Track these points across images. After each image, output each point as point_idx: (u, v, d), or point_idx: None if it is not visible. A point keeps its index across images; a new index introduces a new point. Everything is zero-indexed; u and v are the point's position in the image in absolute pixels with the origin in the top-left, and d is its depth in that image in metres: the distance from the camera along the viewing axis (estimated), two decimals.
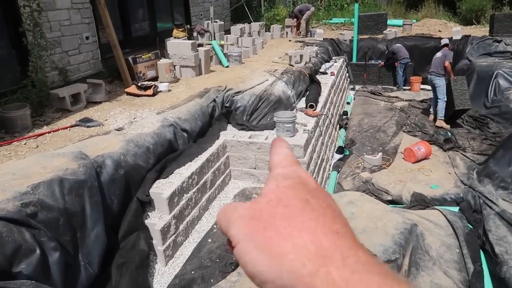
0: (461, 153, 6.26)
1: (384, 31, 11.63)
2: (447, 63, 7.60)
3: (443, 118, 7.49)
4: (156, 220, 3.73)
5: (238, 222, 0.35)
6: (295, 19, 11.99)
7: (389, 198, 5.29)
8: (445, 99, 7.44)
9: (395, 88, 10.48)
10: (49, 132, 4.34)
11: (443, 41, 8.12)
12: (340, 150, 7.04)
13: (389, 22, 12.49)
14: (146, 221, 3.71)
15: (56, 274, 2.80)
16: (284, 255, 0.31)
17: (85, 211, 3.22)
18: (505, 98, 7.54)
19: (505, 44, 9.22)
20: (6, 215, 2.67)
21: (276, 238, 0.32)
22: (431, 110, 7.99)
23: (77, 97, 5.29)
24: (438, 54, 7.78)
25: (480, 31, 11.46)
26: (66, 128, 4.49)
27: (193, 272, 3.49)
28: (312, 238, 0.31)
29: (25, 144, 4.07)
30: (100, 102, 5.51)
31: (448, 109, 7.39)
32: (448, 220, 4.17)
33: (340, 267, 0.30)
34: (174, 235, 3.82)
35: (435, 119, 7.75)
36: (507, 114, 7.20)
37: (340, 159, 6.70)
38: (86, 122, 4.63)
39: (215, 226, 4.22)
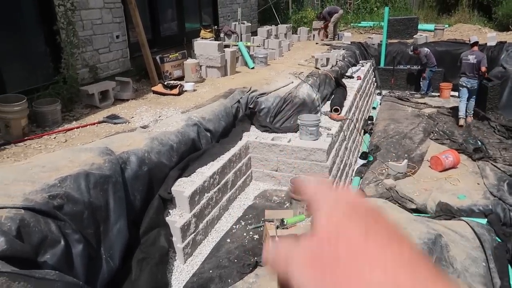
0: (491, 164, 6.05)
1: (414, 36, 11.39)
2: (483, 69, 7.61)
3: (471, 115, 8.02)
4: (176, 217, 3.78)
5: (296, 272, 0.32)
6: (323, 21, 11.85)
7: (413, 206, 5.17)
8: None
9: (418, 94, 10.24)
10: (77, 127, 4.47)
11: (473, 39, 8.01)
12: (364, 155, 6.93)
13: (420, 26, 12.22)
14: (167, 218, 3.76)
15: (79, 266, 2.88)
16: None
17: (109, 205, 3.29)
18: None
19: None
20: (35, 206, 2.76)
21: (347, 280, 0.29)
22: (461, 114, 7.93)
23: (105, 94, 5.42)
24: (471, 59, 7.70)
25: None
26: (94, 124, 4.61)
27: (211, 271, 3.51)
28: (385, 274, 0.28)
29: (54, 138, 4.20)
30: (127, 100, 5.63)
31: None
32: (475, 232, 4.03)
33: None
34: (194, 234, 3.85)
35: (464, 122, 7.90)
36: None
37: (363, 165, 6.59)
38: (113, 118, 4.74)
39: (234, 226, 4.23)
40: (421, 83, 10.33)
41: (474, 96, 7.82)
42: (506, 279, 3.59)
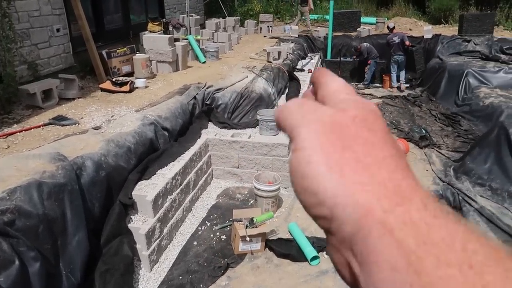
0: (436, 150, 6.43)
1: (357, 29, 11.77)
2: (407, 43, 9.61)
3: (405, 83, 10.01)
4: (139, 223, 3.58)
5: (314, 126, 0.30)
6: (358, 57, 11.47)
7: None
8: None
9: (361, 85, 10.68)
10: (20, 131, 4.06)
11: (390, 25, 10.30)
12: None
13: (362, 20, 12.63)
14: (130, 225, 3.55)
15: (36, 286, 2.62)
16: (358, 183, 0.27)
17: (66, 216, 3.03)
18: (475, 97, 7.80)
19: (474, 44, 9.54)
20: None
21: (353, 164, 0.28)
22: (394, 83, 10.08)
23: (49, 93, 4.99)
24: (396, 39, 9.64)
25: (449, 30, 11.82)
26: (39, 126, 4.22)
27: (180, 277, 3.37)
28: (391, 176, 0.27)
29: None
30: (73, 99, 5.23)
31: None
32: None
33: (420, 210, 0.26)
34: (159, 239, 3.68)
35: (399, 88, 9.95)
36: (478, 112, 7.44)
37: None
38: (60, 120, 4.37)
39: (199, 228, 4.11)
40: (365, 74, 10.74)
41: (404, 68, 9.86)
42: None
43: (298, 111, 0.32)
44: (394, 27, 10.15)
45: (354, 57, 10.86)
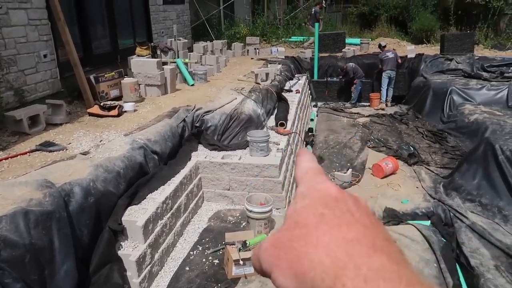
0: (425, 167, 6.49)
1: (343, 50, 12.01)
2: (399, 61, 10.29)
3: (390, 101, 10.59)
4: (130, 250, 3.49)
5: (263, 256, 0.35)
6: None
7: None
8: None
9: (348, 104, 10.84)
10: (6, 158, 3.98)
11: (382, 43, 10.98)
12: None
13: (347, 41, 12.93)
14: (119, 252, 3.46)
15: None
16: (305, 273, 0.31)
17: (54, 245, 2.94)
18: (460, 113, 7.96)
19: (456, 62, 9.81)
20: None
21: (296, 260, 0.32)
22: (383, 99, 10.49)
23: (35, 119, 4.93)
24: (390, 55, 10.17)
25: (431, 49, 12.14)
26: (26, 153, 4.14)
27: None
28: (326, 251, 0.31)
29: None
30: (61, 124, 5.17)
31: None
32: (424, 235, 4.25)
33: (353, 278, 0.29)
34: (150, 265, 3.59)
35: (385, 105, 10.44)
36: (463, 128, 7.59)
37: None
38: (47, 146, 4.30)
39: (191, 252, 4.02)
40: (352, 93, 10.90)
41: (392, 85, 10.39)
42: (456, 277, 3.81)
43: (255, 259, 0.37)
44: (385, 46, 10.90)
45: (340, 77, 11.04)
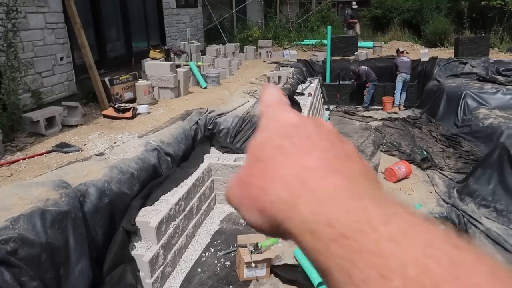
0: (439, 172, 6.41)
1: (355, 53, 11.97)
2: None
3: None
4: (143, 250, 3.53)
5: (229, 196, 0.35)
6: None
7: None
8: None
9: (360, 107, 10.79)
10: (23, 159, 4.06)
11: (401, 48, 10.89)
12: None
13: (359, 44, 12.87)
14: (133, 252, 3.49)
15: None
16: (266, 209, 0.31)
17: (69, 245, 2.99)
18: (474, 118, 7.86)
19: (471, 66, 9.69)
20: None
21: (256, 196, 0.32)
22: (396, 103, 10.45)
23: (52, 121, 5.02)
24: (406, 59, 10.23)
25: (445, 53, 12.01)
26: (42, 154, 4.22)
27: None
28: (282, 183, 0.30)
29: None
30: (76, 126, 5.26)
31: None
32: None
33: (308, 203, 0.29)
34: (162, 266, 3.62)
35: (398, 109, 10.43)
36: (478, 133, 7.48)
37: None
38: (63, 147, 4.38)
39: (203, 254, 4.05)
40: (364, 96, 10.84)
41: (406, 89, 10.38)
42: None
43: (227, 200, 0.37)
44: (403, 51, 10.88)
45: (353, 80, 11.00)
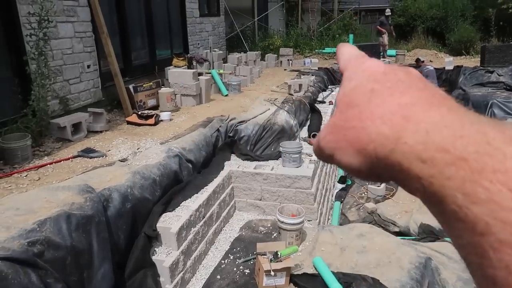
0: None
1: None
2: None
3: None
4: (163, 256, 3.57)
5: (323, 145, 0.36)
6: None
7: (396, 229, 5.20)
8: None
9: None
10: (50, 163, 4.19)
11: (422, 58, 10.96)
12: (342, 179, 6.97)
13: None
14: (153, 258, 3.54)
15: None
16: (366, 147, 0.31)
17: (93, 248, 3.05)
18: None
19: (498, 74, 9.45)
20: (12, 255, 2.50)
21: (355, 137, 0.32)
22: None
23: (78, 127, 5.16)
24: (430, 67, 10.24)
25: (470, 61, 11.77)
26: (68, 159, 4.34)
27: None
28: (382, 120, 0.31)
29: (26, 176, 3.91)
30: (101, 132, 5.40)
31: None
32: None
33: (414, 133, 0.29)
34: (182, 272, 3.65)
35: None
36: None
37: (342, 189, 6.62)
38: (88, 152, 4.50)
39: (222, 261, 4.06)
40: None
41: None
42: None
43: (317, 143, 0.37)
44: (424, 61, 11.03)
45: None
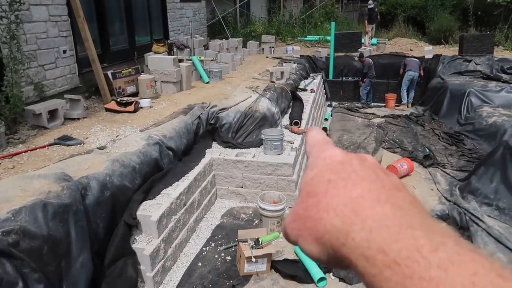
0: (441, 170, 6.39)
1: (359, 49, 11.91)
2: (422, 73, 10.26)
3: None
4: (144, 244, 3.54)
5: (288, 230, 0.38)
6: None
7: None
8: None
9: (359, 104, 10.77)
10: (25, 151, 4.07)
11: (412, 53, 11.24)
12: None
13: (363, 40, 12.81)
14: (134, 246, 3.50)
15: None
16: (322, 237, 0.34)
17: (70, 237, 2.99)
18: (478, 116, 7.82)
19: (475, 63, 9.63)
20: None
21: (313, 227, 0.35)
22: (404, 101, 10.42)
23: (54, 114, 5.02)
24: (414, 59, 10.35)
25: (449, 50, 11.95)
26: (44, 146, 4.23)
27: None
28: (335, 212, 0.33)
29: None
30: (79, 119, 5.27)
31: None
32: None
33: (360, 231, 0.31)
34: (163, 260, 3.63)
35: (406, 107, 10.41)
36: (481, 131, 7.45)
37: None
38: (65, 140, 4.38)
39: (204, 248, 4.06)
40: (360, 93, 10.84)
41: (414, 88, 10.35)
42: None
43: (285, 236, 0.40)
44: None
45: (357, 58, 10.91)
